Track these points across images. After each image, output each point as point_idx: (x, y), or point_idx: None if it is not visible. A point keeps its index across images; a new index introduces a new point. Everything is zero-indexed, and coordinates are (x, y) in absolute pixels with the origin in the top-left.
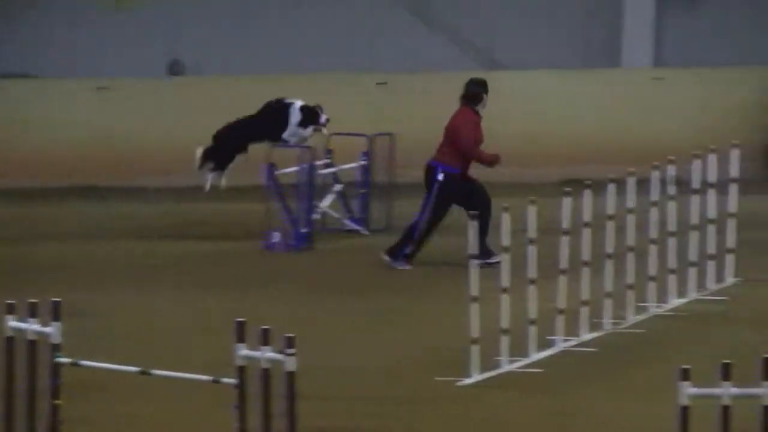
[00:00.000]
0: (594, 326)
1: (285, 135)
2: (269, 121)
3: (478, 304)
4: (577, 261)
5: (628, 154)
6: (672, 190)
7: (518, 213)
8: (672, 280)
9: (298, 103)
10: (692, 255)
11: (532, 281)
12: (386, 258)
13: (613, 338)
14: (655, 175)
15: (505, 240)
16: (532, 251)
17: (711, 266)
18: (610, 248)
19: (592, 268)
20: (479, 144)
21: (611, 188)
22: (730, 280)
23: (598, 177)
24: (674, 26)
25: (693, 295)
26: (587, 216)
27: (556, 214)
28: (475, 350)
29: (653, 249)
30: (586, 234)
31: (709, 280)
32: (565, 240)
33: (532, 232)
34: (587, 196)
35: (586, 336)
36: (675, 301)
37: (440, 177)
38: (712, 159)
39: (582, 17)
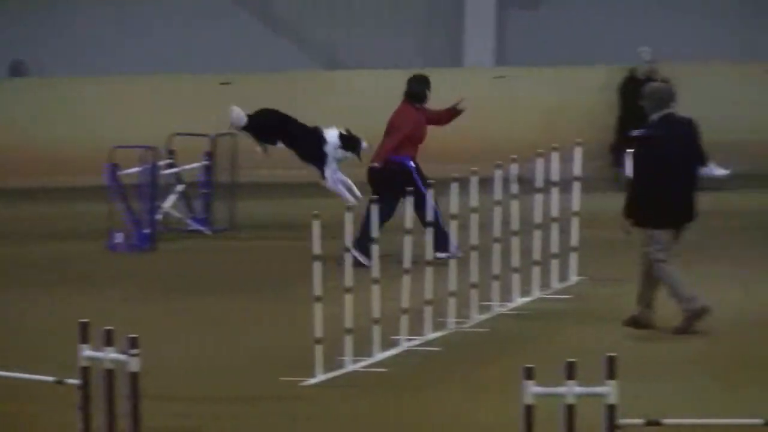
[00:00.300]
0: (438, 325)
1: (327, 174)
2: (298, 136)
3: (322, 304)
4: (421, 260)
5: (470, 153)
6: (515, 188)
7: (362, 213)
8: (516, 279)
9: (333, 132)
10: (536, 254)
11: (376, 281)
12: (440, 256)
13: (457, 337)
14: (498, 173)
15: (348, 241)
16: (375, 251)
17: (555, 265)
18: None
19: (436, 267)
20: (419, 141)
21: (454, 187)
22: (573, 278)
23: (441, 176)
24: (516, 25)
25: (537, 293)
26: (430, 215)
27: (399, 214)
28: (319, 350)
29: (497, 248)
30: (430, 233)
31: (553, 278)
32: (408, 239)
33: (375, 232)
34: (430, 195)
35: (431, 335)
36: (519, 300)
37: (411, 164)
38: (555, 158)
39: (424, 17)
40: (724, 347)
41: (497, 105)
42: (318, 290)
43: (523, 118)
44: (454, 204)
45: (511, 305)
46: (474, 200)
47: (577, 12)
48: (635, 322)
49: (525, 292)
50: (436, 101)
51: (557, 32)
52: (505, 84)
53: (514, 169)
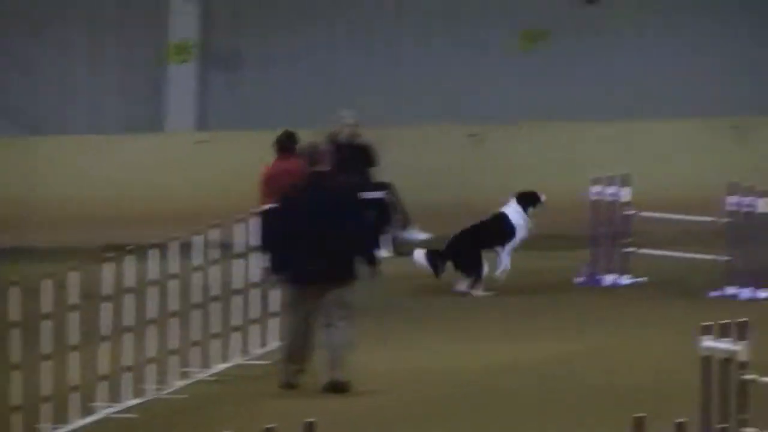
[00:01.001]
0: (138, 392)
1: (518, 238)
2: (495, 230)
3: (20, 371)
4: (120, 327)
5: (171, 219)
6: (216, 253)
7: (60, 278)
8: (216, 345)
9: (512, 204)
10: (236, 319)
11: (74, 347)
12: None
13: (156, 404)
14: (198, 239)
15: (46, 307)
16: (74, 318)
17: (254, 330)
18: (153, 313)
19: (135, 333)
20: None
21: (153, 253)
22: (273, 343)
23: (141, 241)
24: (218, 89)
25: (237, 359)
26: (130, 281)
27: (98, 280)
28: (16, 419)
29: (197, 314)
30: (129, 299)
31: (253, 343)
32: (106, 306)
33: (73, 298)
34: (129, 261)
35: (129, 402)
36: (219, 366)
37: None
38: (255, 222)
39: (123, 80)
40: (433, 408)
41: (199, 170)
42: (16, 357)
43: (224, 182)
44: (153, 270)
45: (211, 371)
46: (174, 266)
47: (279, 75)
48: (332, 386)
49: (225, 358)
50: (137, 169)
51: (260, 95)
52: (207, 148)
53: (214, 234)
